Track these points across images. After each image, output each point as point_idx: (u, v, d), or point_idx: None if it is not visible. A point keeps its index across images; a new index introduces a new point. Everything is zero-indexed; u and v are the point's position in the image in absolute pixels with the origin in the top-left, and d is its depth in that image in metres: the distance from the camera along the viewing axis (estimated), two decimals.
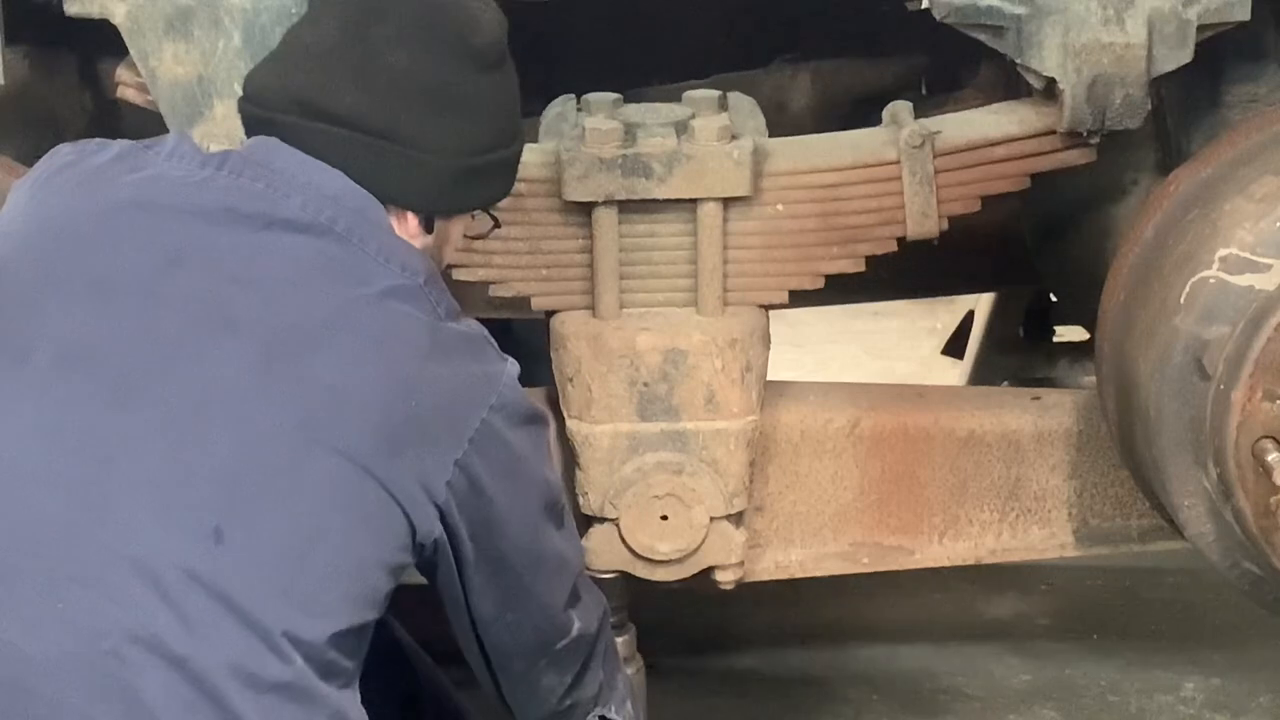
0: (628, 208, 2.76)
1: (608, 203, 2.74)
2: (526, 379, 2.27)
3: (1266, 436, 2.56)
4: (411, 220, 2.25)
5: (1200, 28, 2.69)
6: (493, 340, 2.23)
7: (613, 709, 2.51)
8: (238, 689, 1.97)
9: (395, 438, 2.06)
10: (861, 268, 2.85)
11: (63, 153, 2.24)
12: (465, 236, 2.40)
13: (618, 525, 2.83)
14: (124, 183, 2.15)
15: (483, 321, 2.26)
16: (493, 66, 2.28)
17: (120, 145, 2.22)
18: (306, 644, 2.01)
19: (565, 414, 2.81)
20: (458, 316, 2.20)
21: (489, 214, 2.42)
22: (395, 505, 2.07)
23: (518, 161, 2.38)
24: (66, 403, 2.02)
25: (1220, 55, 2.89)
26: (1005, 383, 4.01)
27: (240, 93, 2.28)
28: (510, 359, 2.22)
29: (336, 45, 2.22)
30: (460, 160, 2.25)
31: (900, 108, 2.89)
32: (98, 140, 2.24)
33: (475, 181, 2.29)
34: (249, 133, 2.23)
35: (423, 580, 2.26)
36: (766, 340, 2.84)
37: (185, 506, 1.99)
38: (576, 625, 2.36)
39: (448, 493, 2.11)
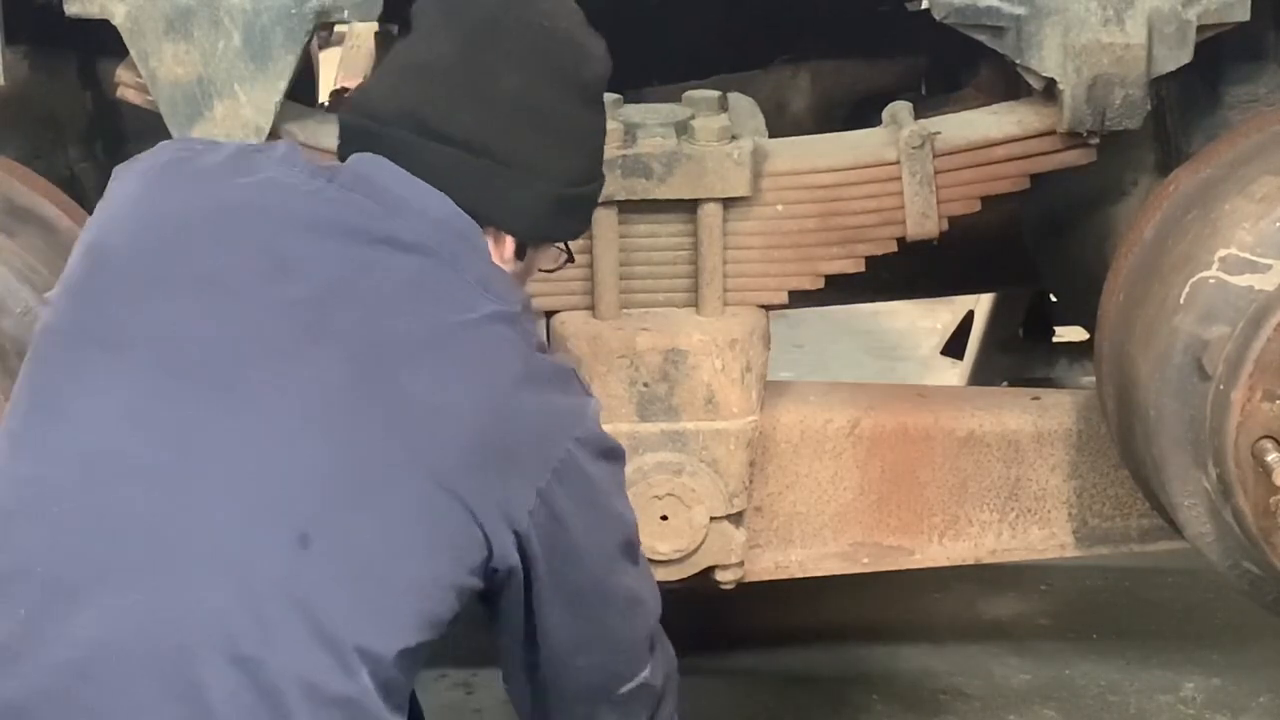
0: (628, 208, 2.77)
1: (608, 203, 2.74)
2: None
3: (1266, 436, 2.57)
4: (509, 245, 2.24)
5: (1200, 28, 2.70)
6: (580, 374, 2.24)
7: None
8: (299, 699, 1.95)
9: (484, 461, 2.05)
10: (861, 268, 2.86)
11: (170, 148, 2.23)
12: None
13: None
14: (236, 185, 2.14)
15: None
16: (595, 101, 2.31)
17: (232, 147, 2.22)
18: (375, 659, 1.99)
19: None
20: (545, 348, 2.21)
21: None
22: (477, 528, 2.06)
23: (598, 200, 2.39)
24: (161, 396, 2.01)
25: (1220, 55, 2.89)
26: (1005, 383, 4.01)
27: (240, 95, 2.28)
28: (594, 395, 2.23)
29: (452, 65, 2.21)
30: (561, 188, 2.25)
31: (900, 108, 2.89)
32: (206, 139, 2.25)
33: (570, 211, 2.30)
34: (352, 147, 2.21)
35: None
36: (766, 340, 2.84)
37: (273, 510, 1.98)
38: (645, 672, 2.32)
39: (529, 521, 2.09)
